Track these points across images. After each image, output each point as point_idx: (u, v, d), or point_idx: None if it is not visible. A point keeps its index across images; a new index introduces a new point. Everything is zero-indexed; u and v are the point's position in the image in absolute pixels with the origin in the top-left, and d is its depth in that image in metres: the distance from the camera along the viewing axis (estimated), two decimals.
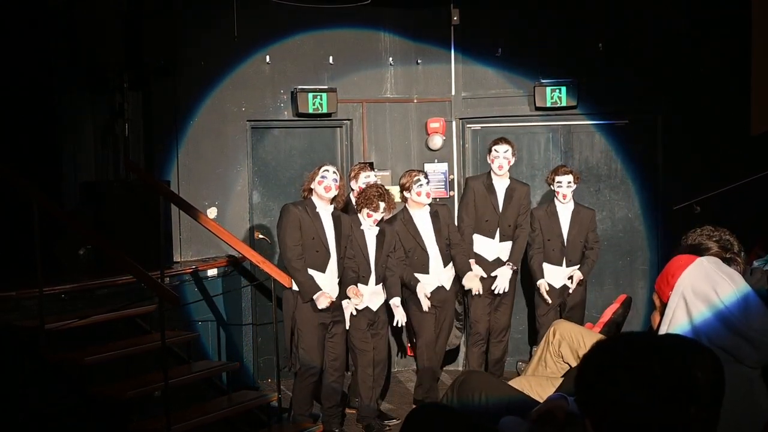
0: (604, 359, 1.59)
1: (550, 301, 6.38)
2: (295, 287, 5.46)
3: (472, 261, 6.30)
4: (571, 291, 6.42)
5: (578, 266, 6.45)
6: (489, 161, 6.42)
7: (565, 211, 6.47)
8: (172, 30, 6.59)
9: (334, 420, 5.67)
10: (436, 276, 6.10)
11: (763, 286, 3.39)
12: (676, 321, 2.29)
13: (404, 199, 6.16)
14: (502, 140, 6.43)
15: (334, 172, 5.50)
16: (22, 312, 4.86)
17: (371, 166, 6.59)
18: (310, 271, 5.46)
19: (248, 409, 5.43)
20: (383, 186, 5.87)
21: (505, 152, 6.33)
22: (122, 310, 5.22)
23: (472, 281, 6.15)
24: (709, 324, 2.25)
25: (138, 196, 6.01)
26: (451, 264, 6.19)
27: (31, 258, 4.56)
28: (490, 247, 6.41)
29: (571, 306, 6.46)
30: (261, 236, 7.14)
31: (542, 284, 6.39)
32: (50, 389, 4.72)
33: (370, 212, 5.64)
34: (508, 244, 6.44)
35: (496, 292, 6.34)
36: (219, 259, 6.61)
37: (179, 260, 6.62)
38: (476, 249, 6.43)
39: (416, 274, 6.02)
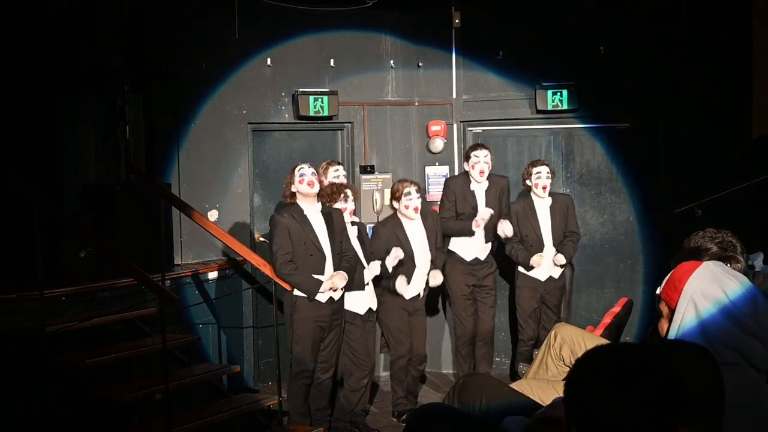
0: (594, 369, 1.57)
1: (542, 262, 6.34)
2: (296, 292, 5.40)
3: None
4: (557, 274, 6.42)
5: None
6: (469, 168, 6.37)
7: (543, 206, 6.45)
8: (172, 32, 6.59)
9: (323, 422, 5.61)
10: (417, 285, 6.04)
11: (766, 290, 3.37)
12: (685, 324, 2.28)
13: (393, 207, 6.13)
14: (480, 146, 6.45)
15: (309, 167, 5.44)
16: (23, 314, 4.84)
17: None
18: None
19: (249, 412, 5.42)
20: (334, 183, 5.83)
21: (485, 157, 6.31)
22: (123, 313, 5.22)
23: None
24: (718, 324, 2.24)
25: (139, 199, 6.01)
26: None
27: (31, 260, 4.55)
28: (470, 246, 6.34)
29: (554, 304, 6.47)
30: (262, 239, 7.13)
31: (535, 259, 6.34)
32: (51, 391, 4.71)
33: (344, 205, 5.62)
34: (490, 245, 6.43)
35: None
36: (220, 262, 6.60)
37: (180, 263, 6.61)
38: (455, 248, 6.39)
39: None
